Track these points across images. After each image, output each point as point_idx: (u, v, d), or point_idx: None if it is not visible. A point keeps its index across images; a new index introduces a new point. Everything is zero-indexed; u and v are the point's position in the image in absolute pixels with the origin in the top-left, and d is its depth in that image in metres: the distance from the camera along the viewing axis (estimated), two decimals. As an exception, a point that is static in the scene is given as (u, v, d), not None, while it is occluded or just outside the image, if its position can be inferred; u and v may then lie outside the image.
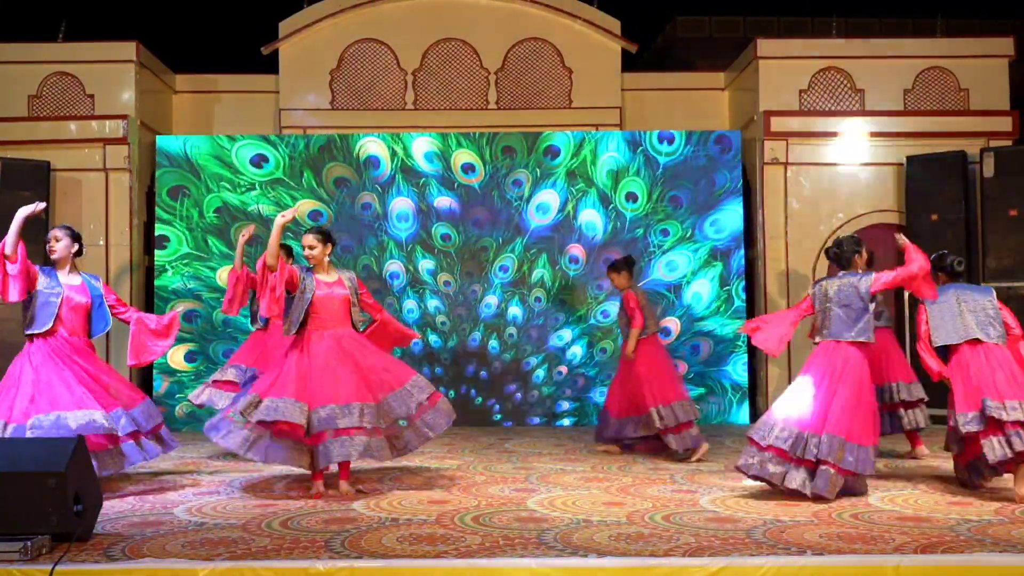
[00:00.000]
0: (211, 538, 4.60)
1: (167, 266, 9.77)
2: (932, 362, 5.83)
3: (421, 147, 9.96)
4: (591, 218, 9.94)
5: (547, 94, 10.70)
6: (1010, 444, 5.44)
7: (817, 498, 5.42)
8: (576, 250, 9.94)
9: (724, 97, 11.17)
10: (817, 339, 5.90)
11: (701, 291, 9.93)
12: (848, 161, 10.11)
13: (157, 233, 9.83)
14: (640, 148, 9.95)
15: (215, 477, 6.56)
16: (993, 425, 5.49)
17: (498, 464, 7.06)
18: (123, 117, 9.81)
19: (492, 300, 9.92)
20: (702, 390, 9.82)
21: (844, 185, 10.10)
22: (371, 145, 9.97)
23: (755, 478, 5.65)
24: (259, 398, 5.68)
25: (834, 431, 5.46)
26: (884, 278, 5.78)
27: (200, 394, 7.47)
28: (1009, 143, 9.88)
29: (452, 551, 4.33)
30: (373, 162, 9.95)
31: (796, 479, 5.49)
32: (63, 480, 4.29)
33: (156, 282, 9.80)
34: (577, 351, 9.88)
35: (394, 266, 9.92)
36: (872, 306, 5.77)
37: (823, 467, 5.45)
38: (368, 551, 4.34)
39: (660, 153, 9.96)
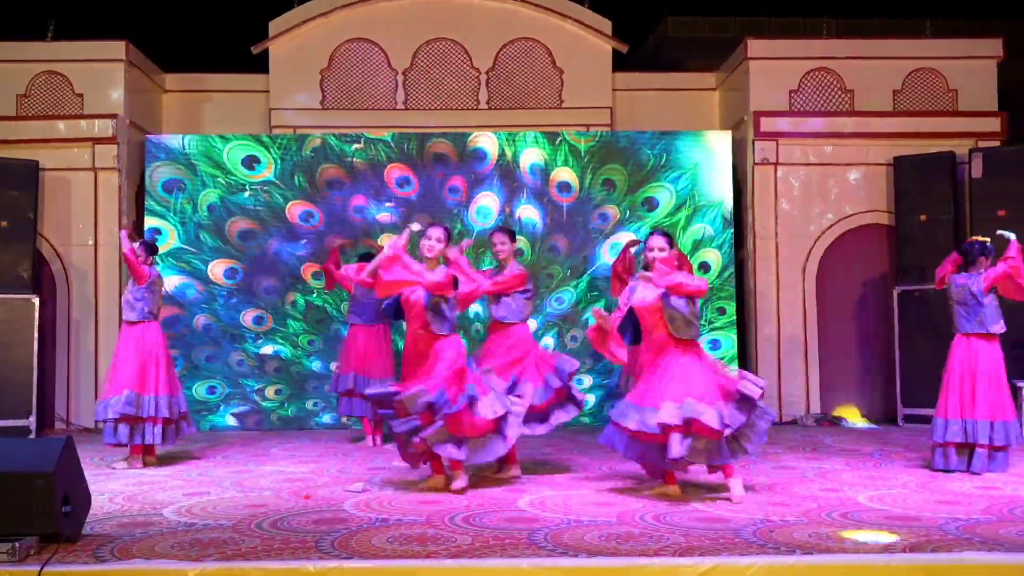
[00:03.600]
0: (200, 539, 4.59)
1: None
2: None
3: (529, 157, 9.89)
4: None
5: (538, 94, 10.69)
6: None
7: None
8: None
9: (715, 97, 11.19)
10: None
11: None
12: (838, 161, 10.14)
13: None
14: (559, 138, 9.90)
15: (205, 477, 6.54)
16: None
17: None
18: (112, 116, 9.77)
19: (531, 324, 9.76)
20: None
21: (834, 186, 10.13)
22: (482, 139, 9.93)
23: (945, 471, 6.42)
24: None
25: (982, 416, 6.36)
26: (990, 274, 6.49)
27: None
28: (997, 144, 9.92)
29: (442, 551, 4.33)
30: (479, 155, 9.91)
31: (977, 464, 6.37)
32: (51, 480, 4.27)
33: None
34: (591, 399, 9.48)
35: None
36: (988, 300, 6.49)
37: (979, 450, 6.35)
38: (358, 551, 4.34)
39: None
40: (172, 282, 9.47)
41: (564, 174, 9.92)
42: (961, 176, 9.66)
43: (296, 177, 9.77)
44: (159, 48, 11.06)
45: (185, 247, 9.67)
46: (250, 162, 9.80)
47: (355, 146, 9.82)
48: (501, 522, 4.96)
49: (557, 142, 9.93)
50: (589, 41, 10.70)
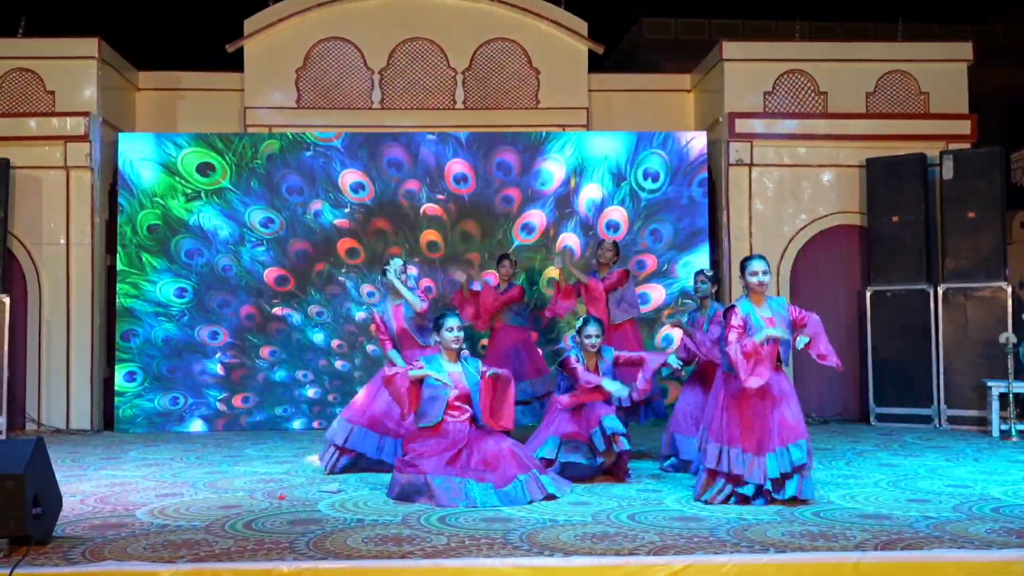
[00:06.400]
0: (173, 540, 4.56)
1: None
2: None
3: (590, 191, 9.84)
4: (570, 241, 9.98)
5: (514, 94, 10.70)
6: None
7: None
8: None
9: (690, 99, 11.24)
10: None
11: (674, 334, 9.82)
12: (811, 163, 10.22)
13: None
14: (625, 181, 9.93)
15: (177, 478, 6.49)
16: None
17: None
18: (85, 114, 9.67)
19: None
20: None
21: (807, 187, 10.21)
22: (551, 162, 9.87)
23: None
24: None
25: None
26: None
27: None
28: (968, 146, 10.03)
29: (418, 551, 4.33)
30: (543, 175, 9.89)
31: None
32: (21, 482, 4.22)
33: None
34: None
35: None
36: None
37: None
38: (333, 552, 4.33)
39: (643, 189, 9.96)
40: (209, 219, 9.65)
41: (616, 213, 9.92)
42: (932, 178, 9.77)
43: (360, 150, 9.82)
44: (132, 46, 10.97)
45: (232, 188, 9.71)
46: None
47: (428, 136, 9.89)
48: (477, 522, 4.96)
49: (621, 184, 9.92)
50: (565, 42, 10.72)
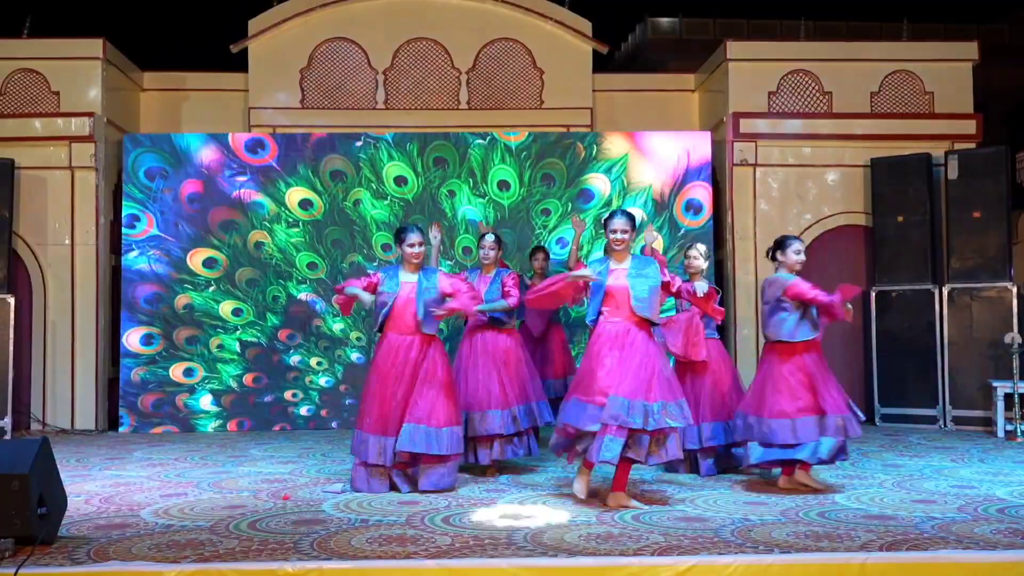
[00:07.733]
0: (178, 540, 4.56)
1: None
2: None
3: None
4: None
5: (518, 94, 10.70)
6: None
7: None
8: None
9: (694, 99, 11.23)
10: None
11: None
12: (816, 163, 10.20)
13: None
14: (666, 211, 9.84)
15: (181, 478, 6.50)
16: None
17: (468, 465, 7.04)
18: (89, 115, 9.68)
19: None
20: None
21: (812, 187, 10.19)
22: (597, 180, 9.82)
23: None
24: None
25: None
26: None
27: None
28: (973, 146, 10.01)
29: (422, 552, 4.33)
30: (587, 193, 9.81)
31: None
32: (27, 482, 4.23)
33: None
34: None
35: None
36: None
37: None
38: (337, 552, 4.33)
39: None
40: (251, 195, 9.69)
41: (649, 237, 9.82)
42: (937, 178, 9.75)
43: (408, 145, 9.83)
44: (137, 46, 10.98)
45: (277, 168, 9.73)
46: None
47: (478, 140, 9.89)
48: (481, 522, 4.95)
49: (662, 212, 9.84)
50: (569, 42, 10.72)
